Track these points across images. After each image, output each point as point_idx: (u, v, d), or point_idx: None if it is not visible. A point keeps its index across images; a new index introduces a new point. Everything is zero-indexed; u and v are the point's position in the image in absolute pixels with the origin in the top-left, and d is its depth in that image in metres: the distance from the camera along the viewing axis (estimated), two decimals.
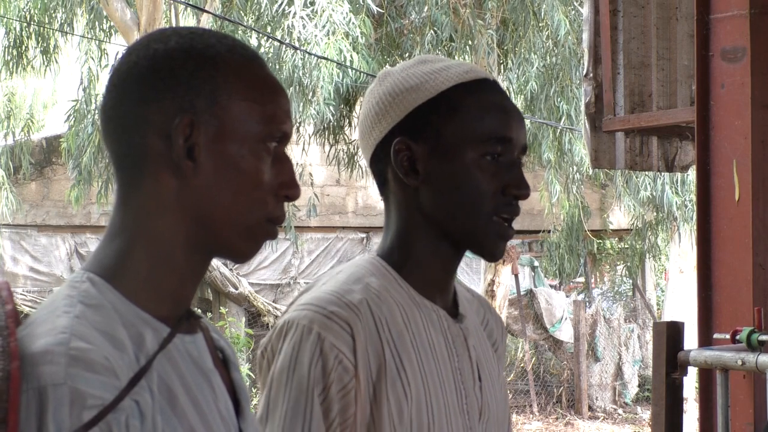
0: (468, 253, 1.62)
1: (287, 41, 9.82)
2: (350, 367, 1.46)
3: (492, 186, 1.54)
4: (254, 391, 10.97)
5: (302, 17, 9.84)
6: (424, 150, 1.55)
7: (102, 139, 1.24)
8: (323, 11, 9.75)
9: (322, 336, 1.45)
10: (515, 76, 11.07)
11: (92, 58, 11.30)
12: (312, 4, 9.90)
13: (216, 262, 11.96)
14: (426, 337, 1.55)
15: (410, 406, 1.50)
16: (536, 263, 15.03)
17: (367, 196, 14.61)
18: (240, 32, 10.05)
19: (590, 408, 13.65)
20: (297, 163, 11.42)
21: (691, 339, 2.96)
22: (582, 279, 16.27)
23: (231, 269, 12.92)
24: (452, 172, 1.54)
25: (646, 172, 11.46)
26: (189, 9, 11.09)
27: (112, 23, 11.17)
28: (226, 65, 1.20)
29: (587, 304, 14.68)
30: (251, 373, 11.00)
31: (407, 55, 10.98)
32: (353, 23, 9.86)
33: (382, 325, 1.51)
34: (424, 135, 1.55)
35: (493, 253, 1.57)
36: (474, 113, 1.54)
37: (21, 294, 11.89)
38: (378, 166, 1.60)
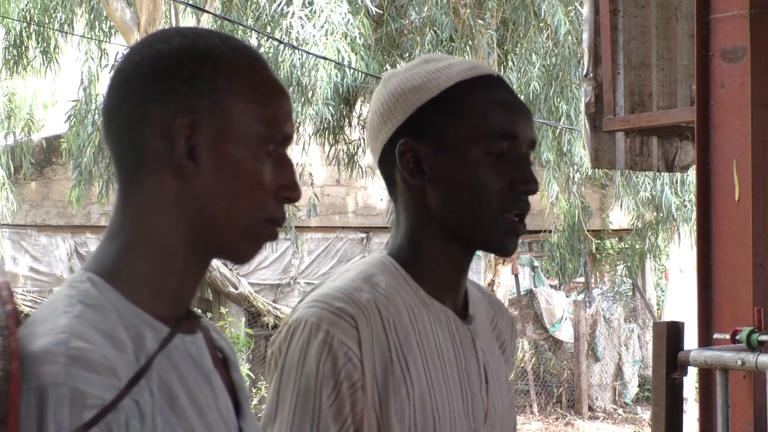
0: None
1: (286, 41, 9.82)
2: (358, 363, 1.45)
3: (498, 183, 1.52)
4: (254, 391, 10.97)
5: (301, 17, 9.84)
6: (428, 150, 1.54)
7: (103, 138, 1.24)
8: (321, 11, 9.76)
9: (331, 333, 1.45)
10: (516, 76, 11.07)
11: (92, 58, 11.30)
12: (311, 4, 9.90)
13: (216, 262, 11.96)
14: (433, 338, 1.54)
15: (413, 409, 1.49)
16: (536, 263, 15.03)
17: (367, 196, 14.61)
18: (240, 32, 10.05)
19: (590, 408, 13.65)
20: (297, 163, 11.42)
21: (691, 339, 2.96)
22: (582, 279, 16.27)
23: (231, 269, 12.92)
24: (458, 171, 1.53)
25: (646, 172, 11.46)
26: (189, 9, 11.09)
27: (112, 23, 11.17)
28: (229, 66, 1.20)
29: (587, 304, 14.69)
30: (251, 373, 11.00)
31: (407, 55, 10.98)
32: (352, 24, 9.86)
33: (389, 325, 1.50)
34: (428, 135, 1.54)
35: (504, 248, 1.55)
36: (477, 110, 1.53)
37: (21, 294, 11.88)
38: (386, 168, 1.59)
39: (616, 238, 16.15)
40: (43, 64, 11.88)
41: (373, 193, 14.51)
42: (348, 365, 1.45)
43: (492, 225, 1.53)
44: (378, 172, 1.64)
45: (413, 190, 1.56)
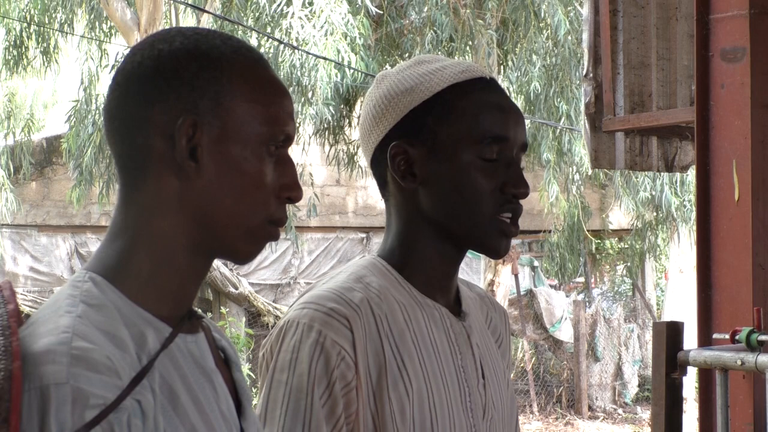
0: (469, 253, 1.62)
1: (286, 41, 9.82)
2: (351, 364, 1.45)
3: (489, 186, 1.53)
4: (254, 390, 10.97)
5: (300, 17, 9.85)
6: (421, 153, 1.54)
7: (105, 138, 1.24)
8: (321, 11, 9.76)
9: (324, 333, 1.45)
10: (516, 76, 11.07)
11: (92, 59, 11.30)
12: (311, 4, 9.91)
13: (216, 262, 11.96)
14: (428, 335, 1.55)
15: (412, 405, 1.49)
16: (536, 263, 15.03)
17: (367, 196, 14.61)
18: (240, 32, 10.05)
19: (590, 408, 13.65)
20: (297, 163, 11.41)
21: (691, 339, 2.96)
22: (582, 279, 16.27)
23: (231, 269, 12.93)
24: (449, 173, 1.53)
25: (646, 172, 11.47)
26: (189, 9, 11.09)
27: (112, 23, 11.17)
28: (231, 66, 1.20)
29: (587, 304, 14.69)
30: (251, 373, 11.00)
31: (407, 55, 10.98)
32: (351, 24, 9.86)
33: (382, 324, 1.50)
34: (420, 137, 1.54)
35: (496, 250, 1.56)
36: (469, 114, 1.54)
37: (21, 294, 11.89)
38: (378, 169, 1.60)
39: (616, 238, 16.15)
40: (43, 64, 11.89)
41: (373, 193, 14.50)
42: (342, 365, 1.45)
43: (485, 227, 1.54)
44: None
45: (405, 192, 1.56)
